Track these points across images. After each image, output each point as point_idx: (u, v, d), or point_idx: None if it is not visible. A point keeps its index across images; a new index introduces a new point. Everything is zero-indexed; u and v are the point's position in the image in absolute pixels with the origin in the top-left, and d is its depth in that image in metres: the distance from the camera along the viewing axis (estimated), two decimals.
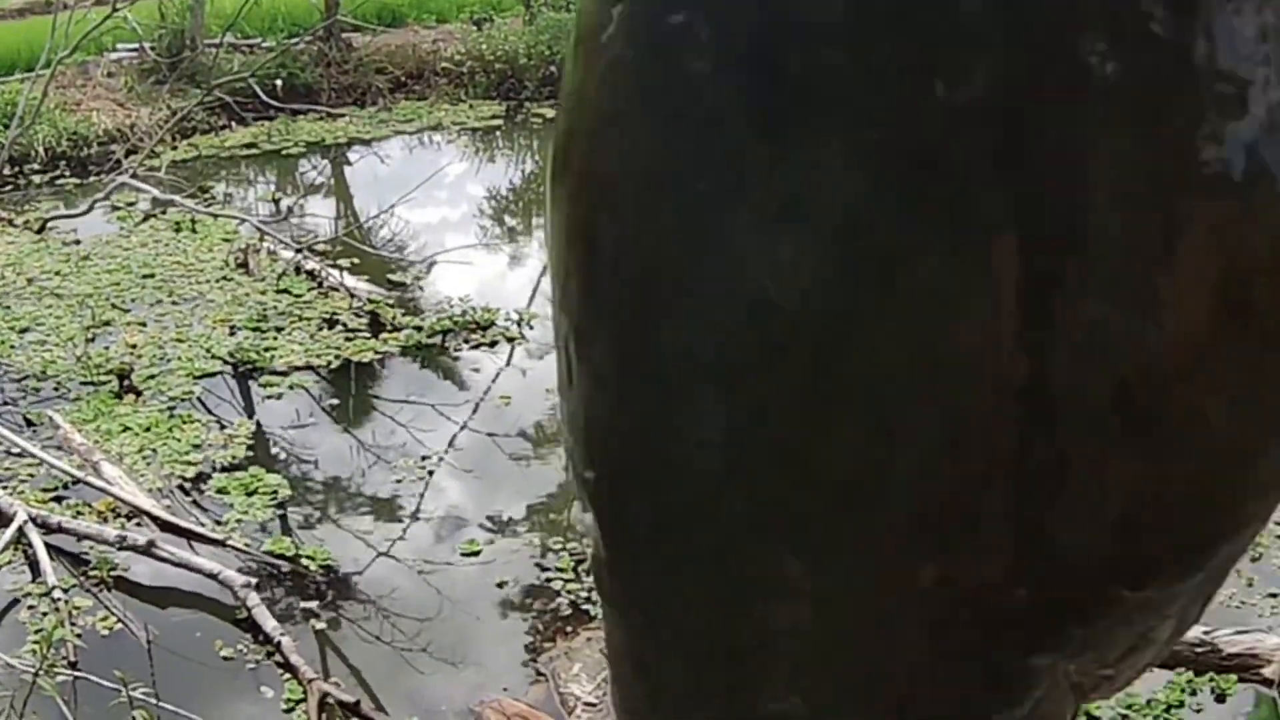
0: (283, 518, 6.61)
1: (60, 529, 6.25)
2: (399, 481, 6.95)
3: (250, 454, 7.08)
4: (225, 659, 5.60)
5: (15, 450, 6.91)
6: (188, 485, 6.80)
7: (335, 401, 7.82)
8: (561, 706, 5.38)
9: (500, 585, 6.10)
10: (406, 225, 10.38)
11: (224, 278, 9.05)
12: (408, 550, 6.42)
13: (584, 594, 5.95)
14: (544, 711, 5.33)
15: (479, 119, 13.60)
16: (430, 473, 7.04)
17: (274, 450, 7.23)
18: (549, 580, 6.11)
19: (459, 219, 10.76)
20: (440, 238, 9.87)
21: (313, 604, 6.00)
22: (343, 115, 13.25)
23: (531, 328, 8.64)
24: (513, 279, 9.72)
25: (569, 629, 5.84)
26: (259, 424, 7.41)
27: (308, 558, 6.21)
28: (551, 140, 1.05)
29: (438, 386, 8.05)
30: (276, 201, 11.20)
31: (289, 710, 5.31)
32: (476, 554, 6.34)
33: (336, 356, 8.09)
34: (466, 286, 8.98)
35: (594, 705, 5.35)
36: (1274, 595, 5.76)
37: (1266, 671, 5.04)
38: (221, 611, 5.89)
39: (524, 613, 5.99)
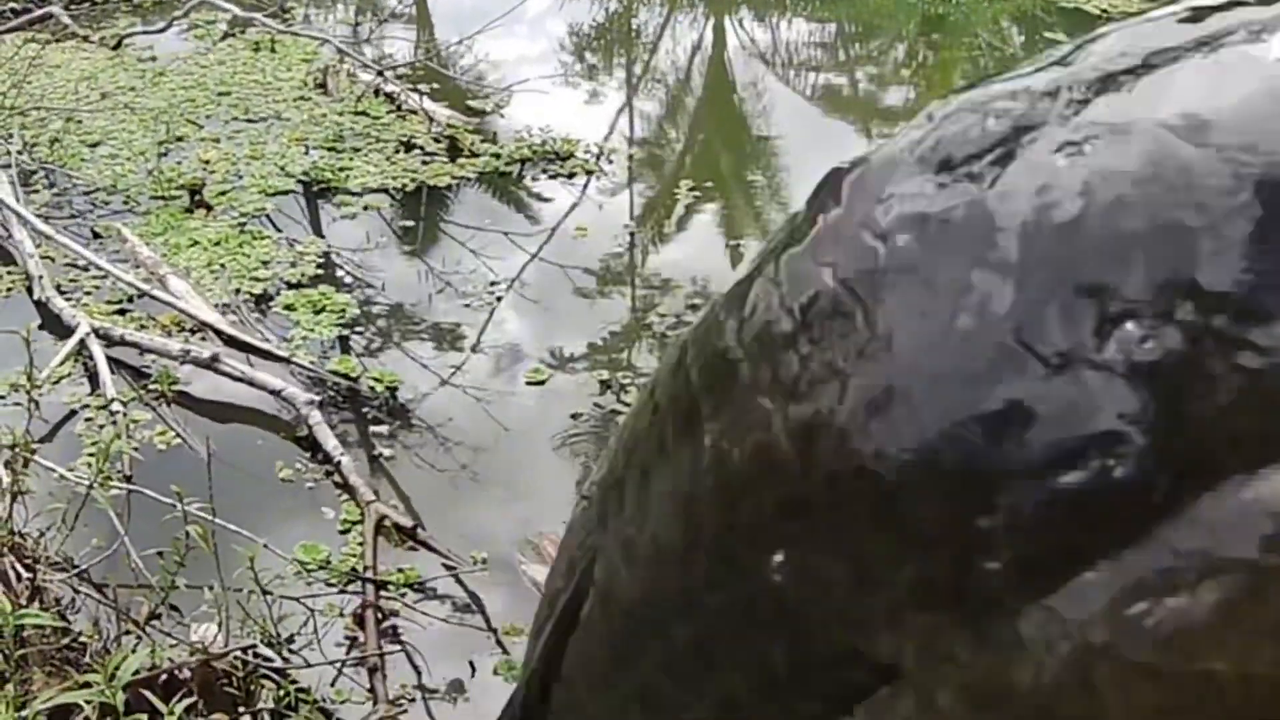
0: (346, 338, 6.52)
1: (123, 341, 6.18)
2: (465, 308, 6.84)
3: (320, 272, 7.00)
4: (284, 479, 5.54)
5: (81, 263, 6.82)
6: (255, 302, 6.72)
7: (408, 224, 7.70)
8: None
9: (562, 417, 6.00)
10: (486, 56, 10.20)
11: (301, 97, 8.90)
12: (468, 379, 6.32)
13: None
14: None
15: None
16: (498, 298, 6.92)
17: (342, 271, 7.13)
18: (608, 413, 6.01)
19: (538, 54, 10.57)
20: (519, 71, 9.69)
21: (372, 428, 5.92)
22: None
23: (611, 162, 8.48)
24: (591, 114, 9.55)
25: None
26: (329, 244, 7.30)
27: (374, 379, 6.12)
28: None
29: (511, 216, 7.93)
30: (356, 26, 11.02)
31: (345, 531, 5.24)
32: (542, 383, 6.24)
33: (412, 180, 7.96)
34: (546, 118, 8.81)
35: None
36: None
37: None
38: (281, 429, 5.82)
39: (581, 447, 5.89)
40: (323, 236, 7.36)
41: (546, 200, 8.05)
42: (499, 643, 4.87)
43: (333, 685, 4.60)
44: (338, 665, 4.62)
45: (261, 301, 6.73)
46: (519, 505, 5.53)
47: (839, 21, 12.63)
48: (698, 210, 8.33)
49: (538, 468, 5.80)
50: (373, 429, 5.93)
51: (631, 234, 7.82)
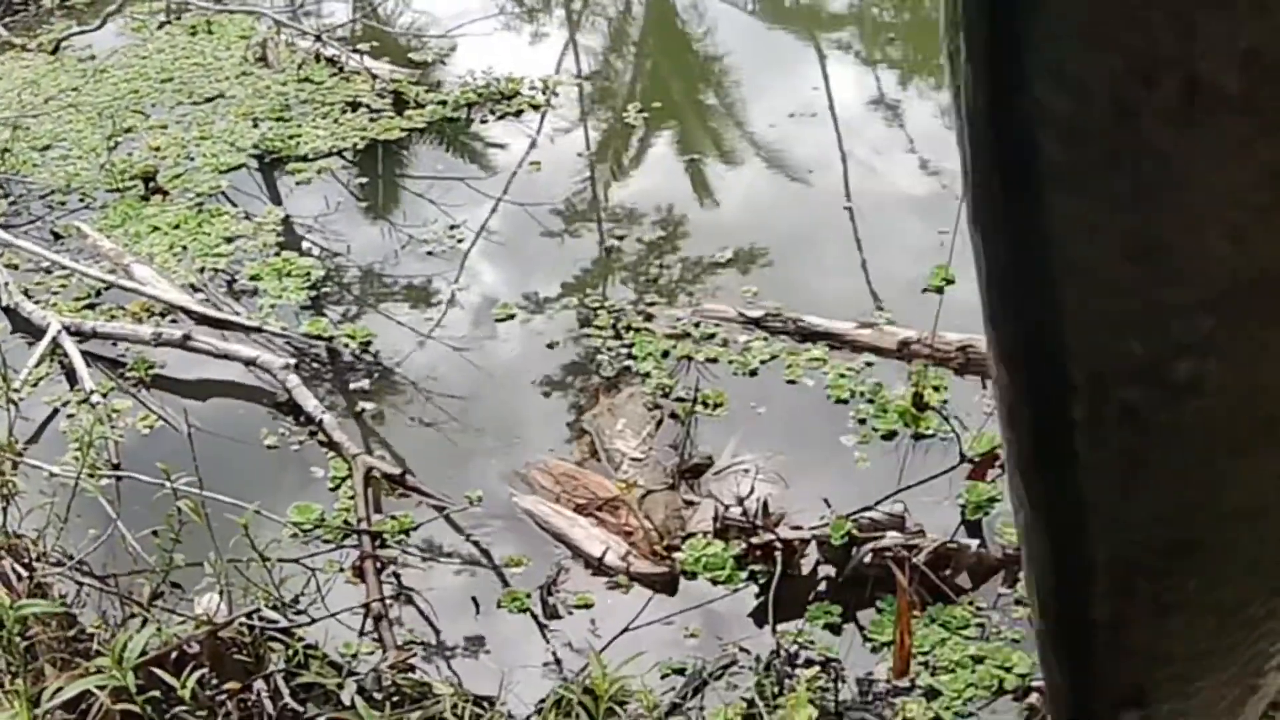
0: (316, 300, 6.54)
1: (95, 334, 6.19)
2: (430, 258, 6.86)
3: (281, 240, 7.01)
4: (270, 445, 5.56)
5: (45, 265, 6.83)
6: (220, 278, 6.73)
7: (364, 183, 7.71)
8: (608, 463, 5.31)
9: (542, 356, 6.04)
10: (428, 10, 10.17)
11: (243, 73, 8.88)
12: (443, 330, 6.35)
13: (623, 350, 5.90)
14: (590, 468, 5.27)
15: None
16: (466, 245, 6.95)
17: (305, 235, 7.15)
18: (589, 340, 6.05)
19: (480, 4, 10.51)
20: (463, 21, 9.65)
21: (353, 386, 5.94)
22: None
23: (557, 94, 8.48)
24: (536, 54, 9.52)
25: (612, 387, 5.77)
26: (288, 212, 7.31)
27: (347, 337, 6.15)
28: None
29: (465, 163, 7.94)
30: None
31: (335, 488, 5.27)
32: (511, 318, 6.27)
33: (361, 138, 7.95)
34: (491, 62, 8.80)
35: (640, 460, 5.28)
36: None
37: None
38: (263, 398, 5.84)
39: (566, 381, 5.93)
40: (280, 205, 7.36)
41: (500, 146, 8.05)
42: (500, 576, 4.91)
43: (347, 640, 4.63)
44: (340, 618, 4.65)
45: (228, 274, 6.74)
46: (508, 445, 5.57)
47: None
48: (654, 137, 8.33)
49: (523, 407, 5.83)
50: (353, 385, 5.95)
51: (591, 165, 7.84)
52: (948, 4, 0.77)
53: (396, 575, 4.94)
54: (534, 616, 4.75)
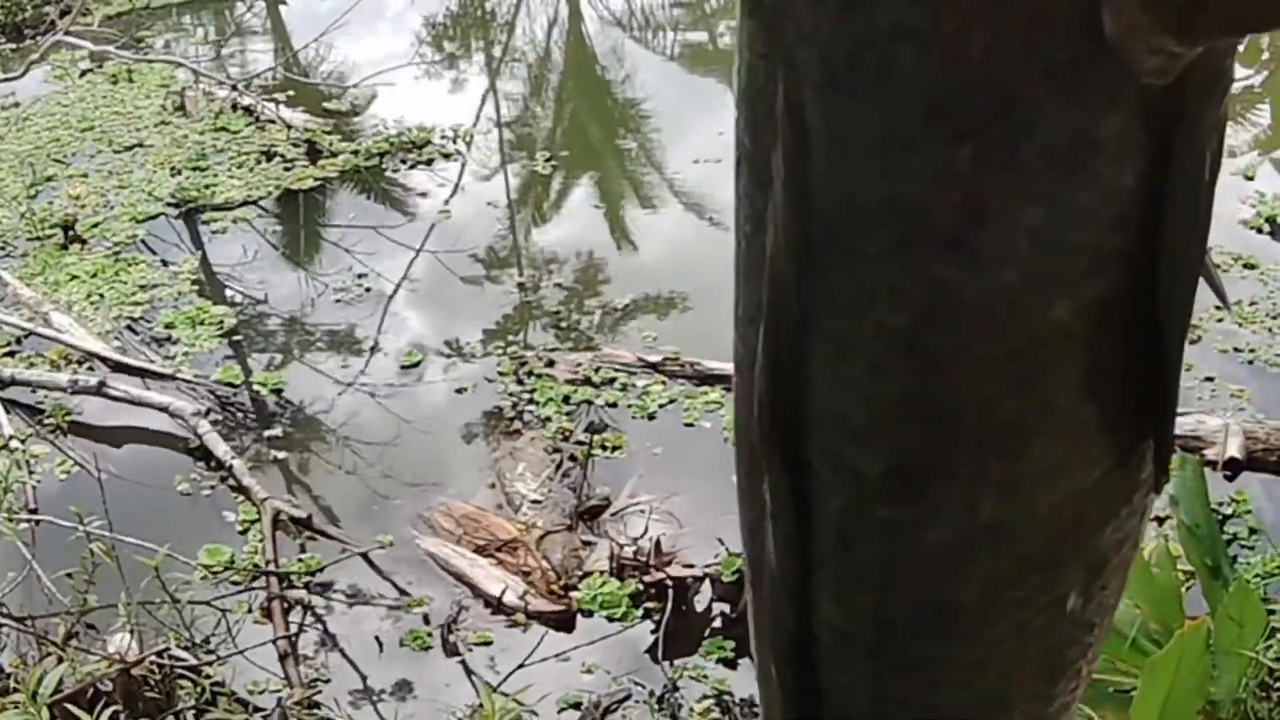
0: (235, 346, 6.68)
1: (14, 381, 6.29)
2: (346, 304, 7.01)
3: (196, 289, 7.12)
4: (183, 492, 5.69)
5: None
6: (136, 325, 6.85)
7: (280, 232, 7.85)
8: (508, 505, 5.49)
9: (458, 403, 6.21)
10: (347, 59, 10.31)
11: (162, 122, 9.00)
12: (360, 375, 6.49)
13: (524, 396, 6.07)
14: (491, 511, 5.44)
15: None
16: (367, 290, 7.11)
17: (220, 284, 7.27)
18: (496, 386, 6.21)
19: (404, 50, 10.66)
20: (385, 68, 9.78)
21: (269, 433, 6.08)
22: None
23: (468, 143, 8.64)
24: (455, 101, 9.69)
25: (514, 431, 5.94)
26: (204, 260, 7.43)
27: (259, 384, 6.29)
28: None
29: (385, 210, 8.06)
30: (218, 45, 11.10)
31: (244, 531, 5.41)
32: (418, 364, 6.44)
33: (277, 186, 8.07)
34: (410, 111, 8.96)
35: (539, 502, 5.45)
36: (1212, 379, 5.86)
37: (1209, 454, 5.12)
38: (177, 444, 5.97)
39: (477, 426, 6.08)
40: (197, 254, 7.48)
41: (421, 194, 8.18)
42: (404, 615, 5.07)
43: (255, 679, 4.78)
44: (249, 657, 4.80)
45: (143, 322, 6.85)
46: (420, 489, 5.71)
47: None
48: (573, 183, 8.49)
49: (436, 451, 5.98)
50: (269, 431, 6.09)
51: (511, 212, 8.00)
52: None
53: (317, 614, 5.09)
54: (448, 652, 4.92)
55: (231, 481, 5.63)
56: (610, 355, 6.28)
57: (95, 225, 7.73)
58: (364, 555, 5.27)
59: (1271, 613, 3.92)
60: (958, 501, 0.94)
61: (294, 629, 4.95)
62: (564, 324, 6.74)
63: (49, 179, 8.37)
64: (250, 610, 5.05)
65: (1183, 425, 5.11)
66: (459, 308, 7.00)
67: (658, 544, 5.00)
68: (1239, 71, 9.88)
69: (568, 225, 7.94)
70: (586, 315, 6.85)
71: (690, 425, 5.88)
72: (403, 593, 5.16)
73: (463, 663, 4.89)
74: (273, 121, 8.75)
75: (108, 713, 4.24)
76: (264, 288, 7.24)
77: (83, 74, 10.02)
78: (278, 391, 6.28)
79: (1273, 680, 3.81)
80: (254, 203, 7.97)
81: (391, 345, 6.69)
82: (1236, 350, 6.08)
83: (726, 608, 4.94)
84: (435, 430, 6.07)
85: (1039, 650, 1.02)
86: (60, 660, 4.46)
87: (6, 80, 10.04)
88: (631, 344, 6.46)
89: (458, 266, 7.35)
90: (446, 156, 8.46)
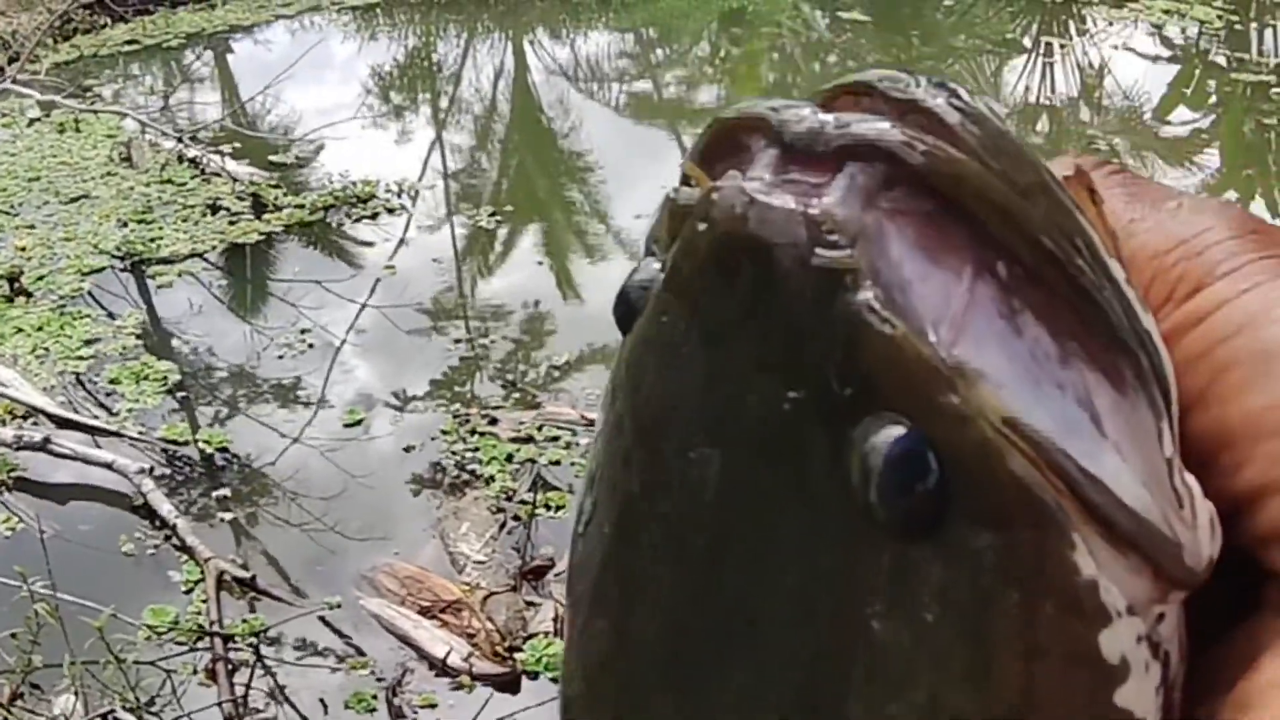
0: (181, 402, 6.69)
1: None
2: (292, 358, 7.03)
3: (141, 344, 7.12)
4: (127, 552, 5.69)
5: None
6: (81, 380, 6.85)
7: (225, 285, 7.86)
8: (452, 565, 5.52)
9: (402, 454, 6.24)
10: (293, 110, 10.36)
11: (108, 173, 9.02)
12: (306, 431, 6.50)
13: (469, 454, 6.10)
14: (435, 571, 5.46)
15: None
16: (310, 346, 7.14)
17: (165, 338, 7.29)
18: (439, 444, 6.25)
19: (352, 100, 10.71)
20: (334, 119, 9.83)
21: (217, 491, 6.09)
22: (222, 3, 13.07)
23: (413, 197, 8.69)
24: (401, 153, 9.75)
25: (457, 490, 5.97)
26: (150, 314, 7.45)
27: (204, 441, 6.30)
28: None
29: (333, 262, 8.10)
30: (166, 95, 11.12)
31: (188, 591, 5.42)
32: (359, 423, 6.47)
33: (221, 240, 8.10)
34: (356, 163, 9.01)
35: (483, 563, 5.48)
36: None
37: None
38: (123, 502, 5.97)
39: (425, 483, 6.10)
40: (142, 308, 7.49)
41: (368, 245, 8.24)
42: (348, 677, 5.09)
43: None
44: (192, 717, 4.81)
45: (88, 376, 6.86)
46: (366, 547, 5.73)
47: (636, 29, 12.87)
48: (519, 234, 8.55)
49: (384, 509, 5.99)
50: (217, 489, 6.09)
51: (457, 264, 8.04)
52: None
53: (266, 672, 5.10)
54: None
55: (175, 540, 5.63)
56: (553, 413, 6.32)
57: (40, 278, 7.73)
58: (323, 620, 5.29)
59: None
60: None
61: (239, 690, 4.95)
62: (510, 378, 6.78)
63: None
64: (195, 671, 5.05)
65: None
66: (405, 361, 7.03)
67: None
68: (1187, 115, 10.13)
69: (513, 276, 7.99)
70: (533, 368, 6.89)
71: None
72: (358, 652, 5.17)
73: None
74: (218, 174, 8.78)
75: None
76: (209, 341, 7.26)
77: (30, 123, 10.03)
78: (223, 448, 6.28)
79: None
80: (200, 255, 7.99)
81: (338, 398, 6.70)
82: None
83: None
84: (381, 486, 6.09)
85: None
86: None
87: None
88: (575, 399, 6.50)
89: (404, 320, 7.38)
90: (391, 211, 8.51)
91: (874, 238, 0.46)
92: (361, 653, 5.16)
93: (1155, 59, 11.38)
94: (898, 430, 0.46)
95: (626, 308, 0.54)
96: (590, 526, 0.55)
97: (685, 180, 0.53)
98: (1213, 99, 10.79)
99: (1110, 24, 12.17)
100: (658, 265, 0.53)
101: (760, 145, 0.50)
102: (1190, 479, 0.50)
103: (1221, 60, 11.17)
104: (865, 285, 0.46)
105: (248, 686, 5.01)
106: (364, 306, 7.52)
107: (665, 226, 0.53)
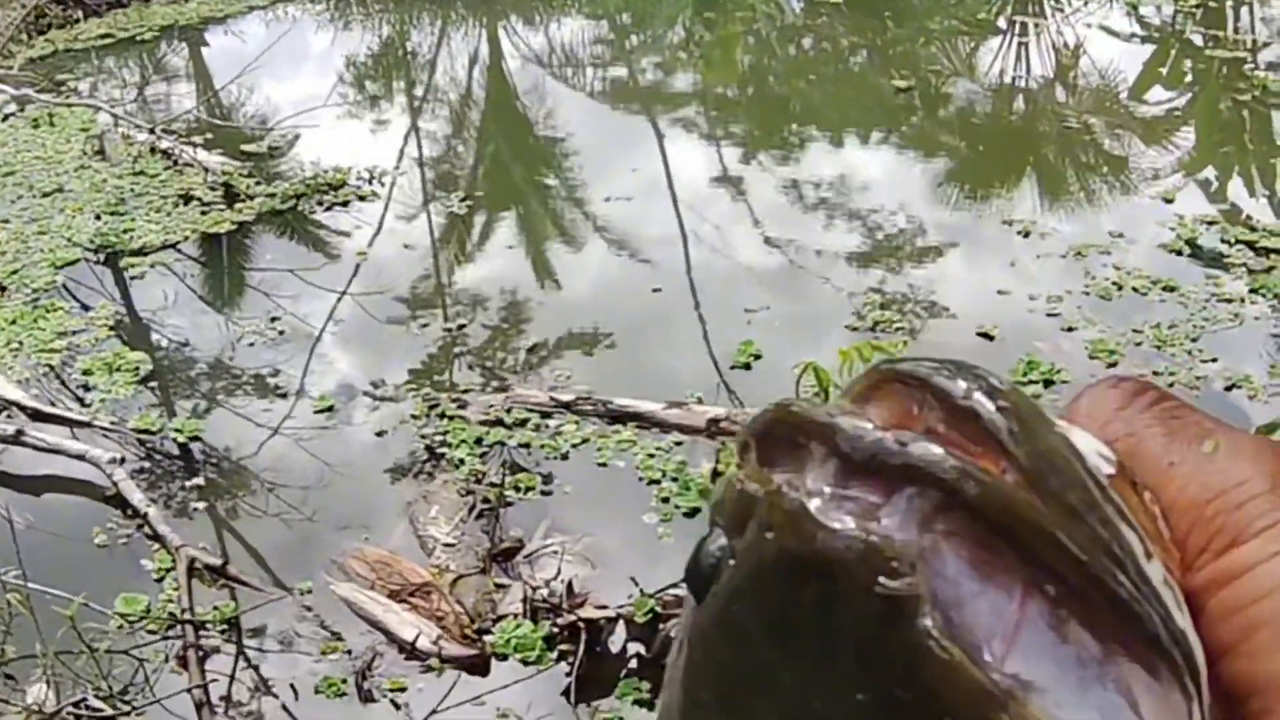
0: (153, 392, 6.71)
1: None
2: (267, 347, 7.05)
3: (114, 335, 7.14)
4: (100, 541, 5.70)
5: None
6: (55, 373, 6.87)
7: (198, 275, 7.87)
8: (421, 549, 5.53)
9: (376, 440, 6.26)
10: (268, 101, 10.37)
11: (82, 166, 9.02)
12: (280, 419, 6.51)
13: (438, 437, 6.12)
14: (404, 555, 5.48)
15: None
16: (281, 334, 7.16)
17: (140, 329, 7.29)
18: (411, 428, 6.27)
19: (327, 89, 10.70)
20: (303, 108, 9.82)
21: (191, 481, 6.10)
22: None
23: (384, 184, 8.70)
24: (377, 141, 9.74)
25: (426, 473, 5.99)
26: (123, 305, 7.46)
27: (176, 430, 6.31)
28: None
29: (308, 252, 8.11)
30: (140, 88, 11.11)
31: (159, 579, 5.44)
32: (329, 409, 6.48)
33: (194, 230, 8.11)
34: (329, 150, 9.02)
35: (452, 546, 5.50)
36: None
37: None
38: (96, 493, 5.98)
39: (397, 469, 6.12)
40: (115, 299, 7.50)
41: (344, 234, 8.24)
42: (318, 662, 5.11)
43: None
44: (167, 706, 4.83)
45: (62, 369, 6.88)
46: (339, 533, 5.75)
47: (610, 14, 12.87)
48: (496, 221, 8.56)
49: (357, 495, 6.01)
50: (190, 479, 6.11)
51: (434, 251, 8.05)
52: None
53: (241, 659, 5.13)
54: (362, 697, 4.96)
55: (147, 529, 5.65)
56: (522, 396, 6.33)
57: (14, 272, 7.74)
58: (302, 604, 5.31)
59: None
60: None
61: (210, 678, 4.97)
62: (489, 364, 6.79)
63: None
64: (167, 660, 5.08)
65: None
66: (380, 348, 7.04)
67: (569, 586, 5.06)
68: (1163, 94, 10.14)
69: (491, 264, 7.99)
70: (511, 354, 6.91)
71: (604, 465, 5.94)
72: (334, 636, 5.19)
73: (389, 706, 4.94)
74: (190, 165, 8.79)
75: None
76: (184, 332, 7.27)
77: (4, 118, 10.03)
78: (195, 438, 6.30)
79: None
80: (173, 246, 8.00)
81: (311, 387, 6.71)
82: (1156, 374, 6.19)
83: (641, 649, 4.98)
84: (355, 473, 6.11)
85: None
86: None
87: None
88: (544, 381, 6.52)
89: (380, 308, 7.39)
90: (362, 198, 8.52)
91: (931, 560, 0.50)
92: (336, 637, 5.18)
93: (1131, 38, 11.40)
94: None
95: (699, 579, 0.56)
96: None
97: (744, 449, 0.56)
98: (1188, 77, 10.81)
99: (1085, 3, 12.20)
100: (725, 542, 0.55)
101: (820, 452, 0.53)
102: None
103: (1197, 39, 11.19)
104: (924, 611, 0.49)
105: (232, 675, 5.03)
106: (342, 294, 7.53)
107: (729, 505, 0.56)
